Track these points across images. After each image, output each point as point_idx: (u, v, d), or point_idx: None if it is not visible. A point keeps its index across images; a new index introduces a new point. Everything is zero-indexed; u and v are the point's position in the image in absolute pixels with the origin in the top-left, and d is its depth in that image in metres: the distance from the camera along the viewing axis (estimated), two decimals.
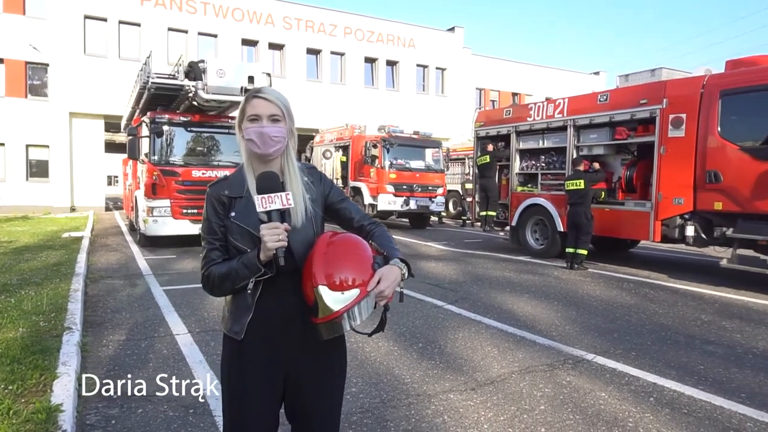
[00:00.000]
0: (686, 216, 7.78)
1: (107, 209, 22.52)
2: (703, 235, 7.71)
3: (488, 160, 10.98)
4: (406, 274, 1.63)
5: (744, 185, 7.09)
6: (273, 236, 1.53)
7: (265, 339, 1.67)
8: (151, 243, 10.66)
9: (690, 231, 7.72)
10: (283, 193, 1.61)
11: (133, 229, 13.03)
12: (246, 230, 1.65)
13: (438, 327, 5.22)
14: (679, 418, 3.24)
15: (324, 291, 1.51)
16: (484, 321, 5.48)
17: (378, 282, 1.53)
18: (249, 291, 1.64)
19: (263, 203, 1.59)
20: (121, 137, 23.92)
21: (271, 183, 1.62)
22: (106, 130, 22.58)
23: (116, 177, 44.63)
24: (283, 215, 1.62)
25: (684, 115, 7.73)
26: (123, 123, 16.12)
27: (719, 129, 7.37)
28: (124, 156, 18.39)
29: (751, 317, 5.76)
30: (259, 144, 1.64)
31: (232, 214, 1.68)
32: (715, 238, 7.66)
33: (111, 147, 27.51)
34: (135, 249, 10.45)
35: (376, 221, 1.83)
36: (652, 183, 8.13)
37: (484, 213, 11.21)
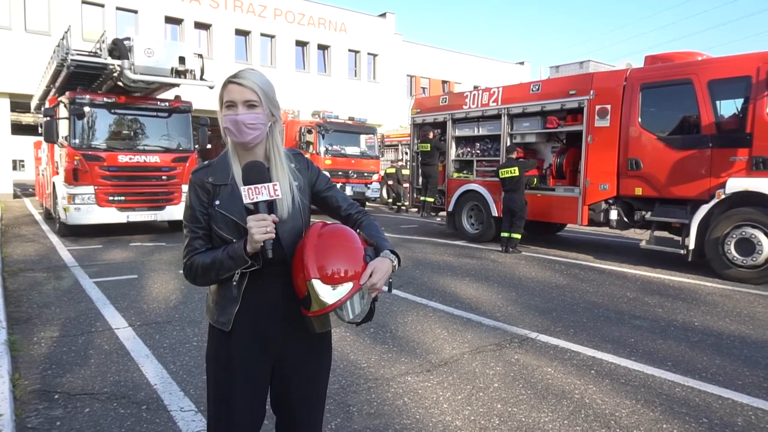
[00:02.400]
0: (610, 201, 8.32)
1: (15, 196, 20.73)
2: (625, 219, 8.30)
3: (429, 147, 11.12)
4: (397, 266, 1.65)
5: (661, 172, 7.68)
6: (260, 228, 1.49)
7: (252, 330, 1.64)
8: (72, 232, 9.97)
9: (614, 215, 8.28)
10: (270, 184, 1.57)
11: (49, 217, 12.14)
12: (231, 219, 1.60)
13: (387, 311, 5.29)
14: (618, 388, 3.51)
15: (317, 284, 1.49)
16: (431, 304, 5.62)
17: (370, 275, 1.53)
18: (234, 282, 1.60)
19: (250, 194, 1.54)
20: (29, 118, 22.04)
21: (258, 173, 1.57)
22: (12, 110, 20.66)
23: (22, 161, 41.12)
24: (271, 205, 1.58)
25: (609, 106, 8.23)
26: (34, 103, 14.83)
27: (640, 120, 7.92)
28: (34, 138, 17.00)
29: (668, 293, 6.29)
30: (235, 132, 1.59)
31: (217, 202, 1.62)
32: (636, 221, 8.27)
33: (17, 128, 25.22)
34: (54, 239, 9.73)
35: (363, 210, 1.83)
36: (580, 170, 8.62)
37: (423, 198, 11.42)
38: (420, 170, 11.58)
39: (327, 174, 1.86)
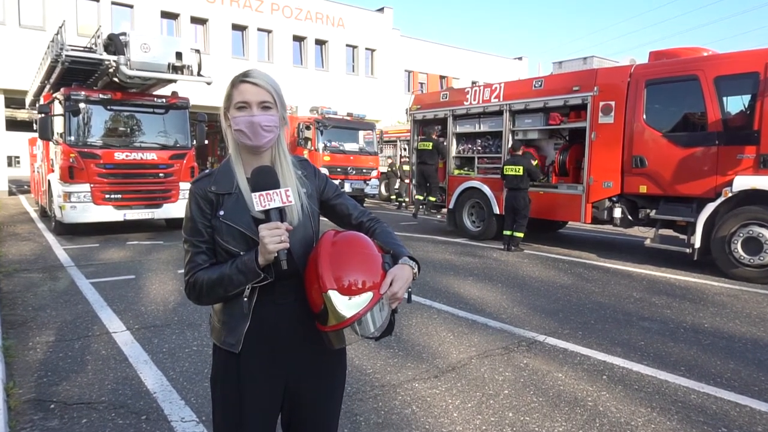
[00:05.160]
0: (614, 198, 8.21)
1: (11, 193, 20.56)
2: (629, 217, 8.20)
3: (430, 147, 10.93)
4: (417, 273, 1.54)
5: (666, 170, 7.58)
6: (274, 237, 1.37)
7: (264, 350, 1.52)
8: (68, 231, 9.83)
9: (617, 213, 8.17)
10: (282, 190, 1.45)
11: (45, 215, 11.99)
12: (237, 230, 1.48)
13: None
14: (632, 394, 3.41)
15: (334, 296, 1.38)
16: (435, 305, 5.51)
17: (390, 283, 1.42)
18: (245, 298, 1.48)
19: (261, 201, 1.43)
20: (24, 114, 21.79)
21: (268, 178, 1.46)
22: (7, 106, 20.41)
23: (17, 158, 40.88)
24: (282, 214, 1.47)
25: (613, 103, 8.11)
26: (29, 99, 14.65)
27: (644, 116, 7.81)
28: (29, 135, 16.81)
29: (675, 293, 6.20)
30: (250, 135, 1.48)
31: (221, 212, 1.50)
32: (640, 219, 8.17)
33: (11, 124, 24.93)
34: (50, 238, 9.59)
35: (376, 217, 1.71)
36: (583, 167, 8.51)
37: (420, 197, 11.27)
38: (419, 169, 11.33)
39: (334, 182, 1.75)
